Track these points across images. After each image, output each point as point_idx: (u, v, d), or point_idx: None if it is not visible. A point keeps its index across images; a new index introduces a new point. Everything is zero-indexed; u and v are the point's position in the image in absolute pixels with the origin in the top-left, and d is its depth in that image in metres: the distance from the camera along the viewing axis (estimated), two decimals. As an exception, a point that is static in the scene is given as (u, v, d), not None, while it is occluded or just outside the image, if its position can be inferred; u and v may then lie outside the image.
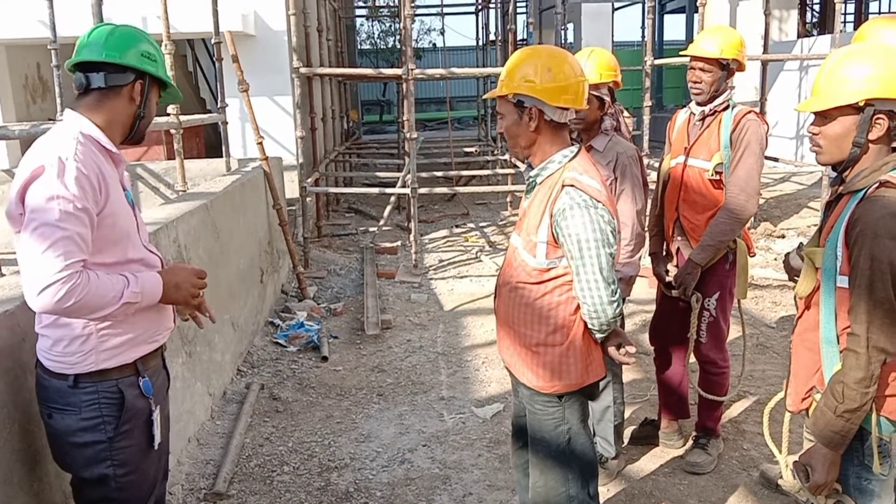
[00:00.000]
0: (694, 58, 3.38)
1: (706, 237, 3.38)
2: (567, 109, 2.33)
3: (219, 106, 6.55)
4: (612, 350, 2.42)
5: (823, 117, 2.04)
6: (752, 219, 8.51)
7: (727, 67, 3.35)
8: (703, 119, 3.45)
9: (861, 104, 1.95)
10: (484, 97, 2.87)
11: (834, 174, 2.13)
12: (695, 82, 3.39)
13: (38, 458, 2.37)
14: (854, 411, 1.95)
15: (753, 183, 3.32)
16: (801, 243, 2.26)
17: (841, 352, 2.03)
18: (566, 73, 2.30)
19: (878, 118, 1.95)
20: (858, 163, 2.01)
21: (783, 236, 8.29)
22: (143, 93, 2.19)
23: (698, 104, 3.46)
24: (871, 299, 1.90)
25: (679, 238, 3.60)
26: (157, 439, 2.25)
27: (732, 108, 3.39)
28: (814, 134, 2.07)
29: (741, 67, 3.41)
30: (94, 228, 2.00)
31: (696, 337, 3.57)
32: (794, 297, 2.26)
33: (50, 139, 2.05)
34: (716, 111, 3.41)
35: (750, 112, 3.38)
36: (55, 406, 2.11)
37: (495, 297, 2.60)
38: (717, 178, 3.39)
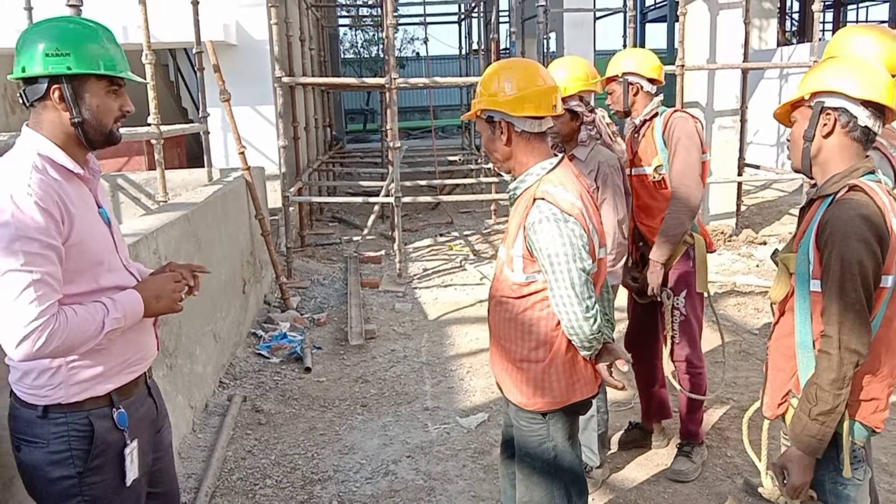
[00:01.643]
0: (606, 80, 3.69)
1: (660, 234, 3.49)
2: (540, 119, 2.32)
3: (200, 116, 6.51)
4: (602, 371, 2.39)
5: (793, 122, 2.14)
6: (735, 226, 8.61)
7: (626, 84, 3.58)
8: (638, 130, 3.66)
9: (806, 97, 2.06)
10: (461, 118, 2.89)
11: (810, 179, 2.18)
12: (607, 102, 3.72)
13: (12, 477, 2.30)
14: (828, 413, 1.97)
15: (692, 174, 3.46)
16: (776, 249, 2.28)
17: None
18: (526, 83, 2.31)
19: (826, 112, 2.03)
20: (824, 162, 2.07)
21: (765, 243, 8.35)
22: (63, 97, 1.89)
23: (620, 117, 3.73)
24: (842, 301, 1.92)
25: (641, 244, 3.72)
26: (130, 476, 2.08)
27: (661, 114, 3.59)
28: (789, 140, 2.17)
29: (654, 81, 3.61)
30: (63, 262, 1.86)
31: (671, 335, 3.62)
32: (770, 303, 2.29)
33: (4, 169, 1.87)
34: (646, 120, 3.62)
35: (676, 111, 3.59)
36: (24, 438, 1.99)
37: (488, 311, 2.58)
38: (660, 178, 3.53)
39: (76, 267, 1.91)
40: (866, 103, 2.00)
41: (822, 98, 2.04)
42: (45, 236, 1.80)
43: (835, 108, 2.02)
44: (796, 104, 2.13)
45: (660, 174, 3.51)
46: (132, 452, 2.10)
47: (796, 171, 2.17)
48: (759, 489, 2.53)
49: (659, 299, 3.61)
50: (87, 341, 1.89)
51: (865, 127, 2.02)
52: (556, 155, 2.41)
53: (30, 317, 1.76)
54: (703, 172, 3.54)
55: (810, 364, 2.06)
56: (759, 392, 2.37)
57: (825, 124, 2.04)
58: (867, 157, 2.07)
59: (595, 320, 2.25)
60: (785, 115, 2.20)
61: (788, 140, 2.16)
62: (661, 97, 3.65)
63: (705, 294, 3.66)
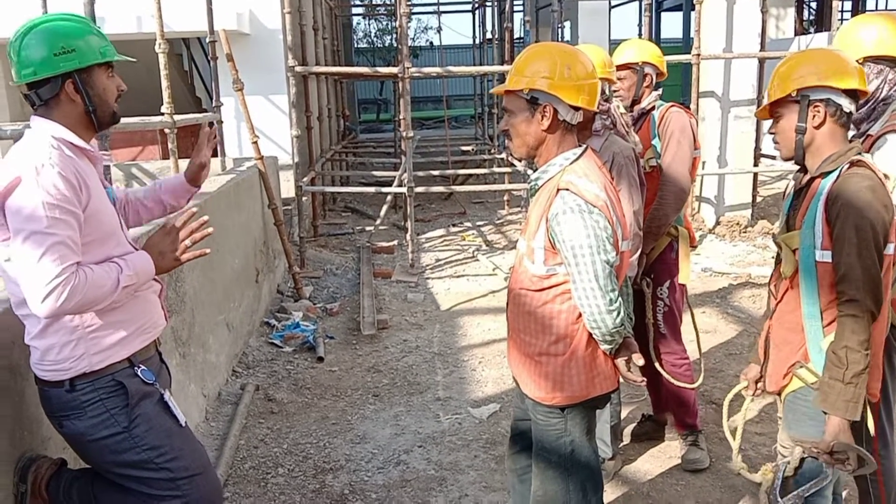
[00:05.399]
0: (616, 67, 3.61)
1: (645, 225, 3.43)
2: (579, 110, 2.27)
3: (214, 105, 6.51)
4: (621, 366, 2.36)
5: (776, 118, 2.25)
6: (750, 217, 8.53)
7: (643, 73, 3.61)
8: (636, 122, 3.68)
9: (794, 94, 2.17)
10: (493, 91, 2.62)
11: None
12: (616, 89, 3.65)
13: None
14: (860, 374, 2.06)
15: (681, 167, 3.52)
16: (773, 233, 2.38)
17: (827, 325, 2.15)
18: (585, 73, 2.24)
19: (815, 106, 2.16)
20: (816, 149, 2.19)
21: (780, 234, 8.27)
22: (78, 89, 2.09)
23: (625, 108, 3.66)
24: (862, 264, 2.04)
25: None
26: (181, 418, 2.28)
27: (658, 108, 3.64)
28: (773, 134, 2.29)
29: (661, 74, 3.68)
30: (81, 229, 2.02)
31: (655, 325, 3.64)
32: (769, 286, 2.41)
33: (24, 148, 2.04)
34: (643, 113, 3.66)
35: (673, 106, 3.63)
36: (62, 414, 2.14)
37: (506, 304, 2.54)
38: (652, 170, 3.56)
39: (92, 236, 2.08)
40: (847, 91, 2.14)
41: (807, 92, 2.16)
42: (67, 203, 1.97)
43: (821, 100, 2.15)
44: (779, 101, 2.22)
45: (651, 166, 3.56)
46: (171, 399, 2.28)
47: (786, 160, 2.28)
48: (732, 464, 2.66)
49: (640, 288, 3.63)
50: (106, 297, 2.03)
51: (850, 112, 2.17)
52: (579, 146, 2.36)
53: (52, 274, 1.91)
54: (693, 167, 3.60)
55: (818, 333, 2.17)
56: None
57: (814, 116, 2.16)
58: (851, 140, 2.22)
59: (618, 313, 2.21)
60: (766, 112, 2.31)
61: (773, 132, 2.28)
62: (660, 91, 3.70)
63: (685, 287, 3.71)
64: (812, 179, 2.21)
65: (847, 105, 2.16)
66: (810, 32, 17.29)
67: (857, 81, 2.14)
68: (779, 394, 2.33)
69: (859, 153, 2.16)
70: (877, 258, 2.05)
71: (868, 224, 2.03)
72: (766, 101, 2.29)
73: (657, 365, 3.65)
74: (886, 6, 23.10)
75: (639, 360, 2.33)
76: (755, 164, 8.80)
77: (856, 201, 2.04)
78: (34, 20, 2.14)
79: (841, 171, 2.13)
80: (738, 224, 8.47)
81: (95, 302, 2.02)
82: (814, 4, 21.24)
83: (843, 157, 2.15)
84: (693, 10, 8.17)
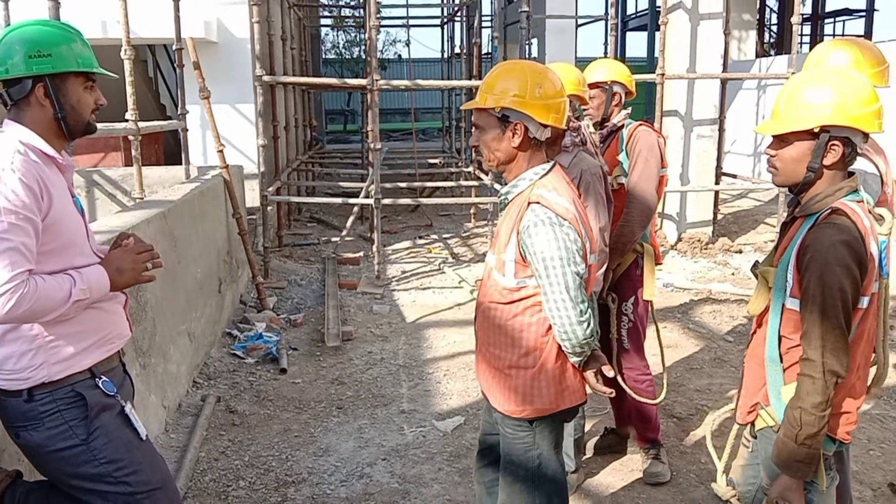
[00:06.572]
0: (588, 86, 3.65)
1: (614, 238, 3.45)
2: (548, 128, 2.30)
3: (179, 113, 6.45)
4: (590, 378, 2.37)
5: (780, 140, 2.06)
6: (711, 234, 8.68)
7: (611, 92, 3.66)
8: (604, 140, 3.72)
9: (816, 130, 1.97)
10: (463, 107, 2.60)
11: (791, 194, 2.16)
12: (586, 107, 3.67)
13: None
14: (814, 436, 1.97)
15: (648, 185, 3.55)
16: (756, 261, 2.29)
17: (785, 370, 2.07)
18: (554, 92, 2.27)
19: (833, 144, 1.98)
20: (814, 186, 2.05)
21: (741, 251, 8.43)
22: (48, 94, 2.07)
23: (595, 126, 3.70)
24: (824, 325, 1.93)
25: None
26: (143, 430, 2.24)
27: (627, 126, 3.68)
28: (771, 156, 2.10)
29: (630, 93, 3.73)
30: (39, 237, 1.98)
31: (619, 341, 3.67)
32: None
33: None
34: (612, 131, 3.70)
35: (641, 124, 3.68)
36: (19, 424, 2.09)
37: (475, 319, 2.55)
38: (619, 188, 3.60)
39: (53, 245, 2.04)
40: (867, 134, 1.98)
41: (830, 129, 1.96)
42: (25, 210, 1.93)
43: (842, 139, 1.97)
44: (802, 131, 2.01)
45: (619, 183, 3.60)
46: (133, 412, 2.23)
47: (780, 186, 2.15)
48: (713, 485, 2.57)
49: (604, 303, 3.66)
50: (56, 308, 1.99)
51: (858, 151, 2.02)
52: (548, 161, 2.39)
53: (1, 280, 1.87)
54: (660, 185, 3.63)
55: (778, 377, 2.09)
56: (734, 398, 2.44)
57: (829, 154, 1.99)
58: (850, 174, 2.06)
59: (588, 325, 2.24)
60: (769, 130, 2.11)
61: (771, 154, 2.09)
62: (629, 110, 3.74)
63: (650, 303, 3.74)
64: (797, 216, 2.09)
65: (861, 145, 1.99)
66: (771, 55, 17.71)
67: (880, 123, 1.97)
68: (750, 425, 2.27)
69: (854, 191, 2.02)
70: (843, 318, 1.92)
71: (836, 283, 1.91)
72: (777, 125, 2.04)
73: (619, 380, 3.69)
74: (843, 30, 23.76)
75: (609, 371, 2.35)
76: (716, 182, 8.98)
77: (825, 257, 1.92)
78: (22, 23, 2.13)
79: (819, 217, 2.00)
80: (699, 241, 8.62)
81: (44, 312, 1.97)
82: (774, 28, 21.80)
83: (830, 197, 2.00)
84: (658, 30, 8.32)
